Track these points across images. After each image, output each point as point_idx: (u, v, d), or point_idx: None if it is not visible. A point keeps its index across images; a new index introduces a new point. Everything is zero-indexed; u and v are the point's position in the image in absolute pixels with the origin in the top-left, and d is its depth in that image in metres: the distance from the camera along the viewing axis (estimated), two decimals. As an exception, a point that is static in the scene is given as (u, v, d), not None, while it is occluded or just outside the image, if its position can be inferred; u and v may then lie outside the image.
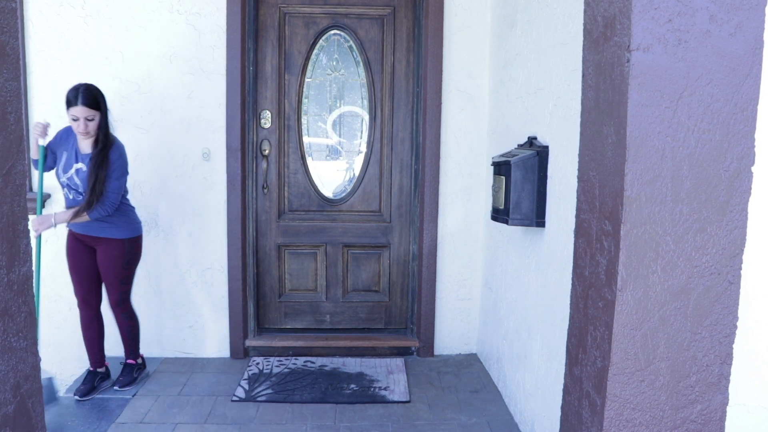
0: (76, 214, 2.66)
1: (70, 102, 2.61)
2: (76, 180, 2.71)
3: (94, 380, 2.92)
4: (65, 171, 2.73)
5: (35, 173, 3.27)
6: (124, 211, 2.84)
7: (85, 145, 2.72)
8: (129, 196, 3.28)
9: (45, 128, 2.71)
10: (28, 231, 1.17)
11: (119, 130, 3.25)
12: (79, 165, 2.71)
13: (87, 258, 2.85)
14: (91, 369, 2.96)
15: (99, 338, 2.96)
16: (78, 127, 2.64)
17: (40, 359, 1.23)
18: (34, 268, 2.75)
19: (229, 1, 3.21)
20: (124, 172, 2.77)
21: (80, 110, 2.61)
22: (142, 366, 3.13)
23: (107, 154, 2.68)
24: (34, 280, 2.78)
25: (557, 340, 2.18)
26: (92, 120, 2.65)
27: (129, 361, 3.04)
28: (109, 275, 2.84)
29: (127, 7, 3.19)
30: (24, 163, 1.20)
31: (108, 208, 2.70)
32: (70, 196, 2.76)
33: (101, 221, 2.75)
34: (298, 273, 3.58)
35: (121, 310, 2.94)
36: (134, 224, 2.90)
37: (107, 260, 2.82)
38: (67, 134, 2.77)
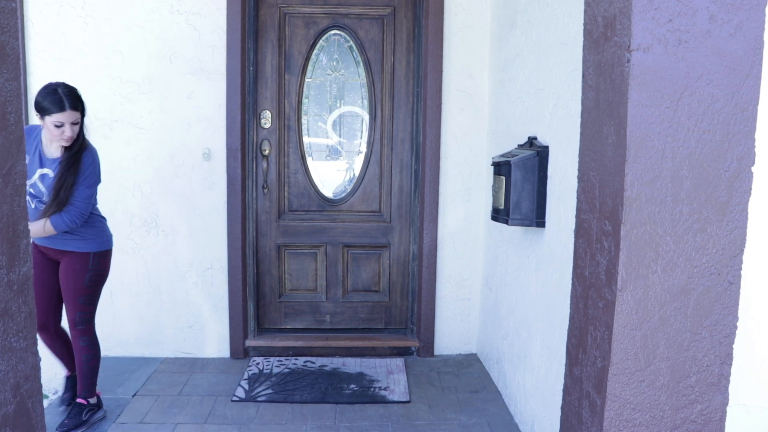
0: (42, 227, 2.39)
1: (51, 109, 2.32)
2: (41, 187, 2.43)
3: (75, 386, 2.74)
4: (27, 178, 2.37)
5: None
6: (92, 222, 2.54)
7: (54, 149, 2.44)
8: (125, 198, 3.29)
9: None
10: (28, 231, 1.17)
11: (119, 130, 3.25)
12: (45, 170, 2.43)
13: (48, 273, 2.55)
14: (68, 374, 2.79)
15: (68, 350, 2.71)
16: (63, 134, 2.35)
17: (40, 359, 1.23)
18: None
19: (229, 1, 3.21)
20: (96, 180, 2.50)
21: (69, 115, 2.33)
22: (96, 407, 2.67)
23: (80, 158, 2.42)
24: None
25: (557, 340, 2.18)
26: (77, 124, 2.39)
27: (79, 400, 2.61)
28: (69, 290, 2.52)
29: (127, 7, 3.19)
30: (24, 163, 1.20)
31: (76, 219, 2.42)
32: (32, 205, 2.45)
33: (67, 232, 2.48)
34: (298, 273, 3.58)
35: (80, 333, 2.56)
36: (103, 237, 2.58)
37: (68, 274, 2.51)
38: (27, 135, 2.43)
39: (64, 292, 2.55)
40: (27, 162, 2.42)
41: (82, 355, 2.59)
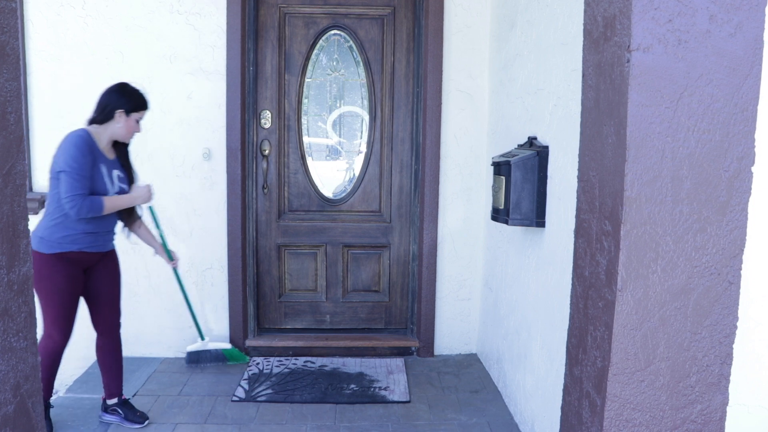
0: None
1: (142, 105, 2.48)
2: (123, 186, 2.53)
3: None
4: (113, 183, 2.47)
5: (37, 172, 3.28)
6: None
7: (109, 149, 2.50)
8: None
9: (151, 190, 2.59)
10: (28, 231, 1.17)
11: (119, 130, 3.25)
12: (117, 172, 2.51)
13: (82, 283, 2.50)
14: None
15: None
16: (137, 129, 2.51)
17: (40, 359, 1.23)
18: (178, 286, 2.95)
19: (229, 1, 3.21)
20: None
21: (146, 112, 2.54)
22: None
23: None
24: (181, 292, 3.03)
25: (557, 340, 2.18)
26: None
27: (125, 397, 2.70)
28: (115, 290, 2.61)
29: (127, 7, 3.19)
30: (24, 163, 1.20)
31: None
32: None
33: (113, 232, 2.57)
34: (298, 273, 3.58)
35: (119, 333, 2.66)
36: None
37: (114, 272, 2.60)
38: (89, 147, 2.36)
39: (108, 295, 2.58)
40: (105, 170, 2.42)
41: (121, 353, 2.67)
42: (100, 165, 2.41)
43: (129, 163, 2.60)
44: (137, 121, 2.50)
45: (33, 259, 2.36)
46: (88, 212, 2.33)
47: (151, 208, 2.74)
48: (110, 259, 2.59)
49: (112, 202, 2.42)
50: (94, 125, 2.45)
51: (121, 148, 2.57)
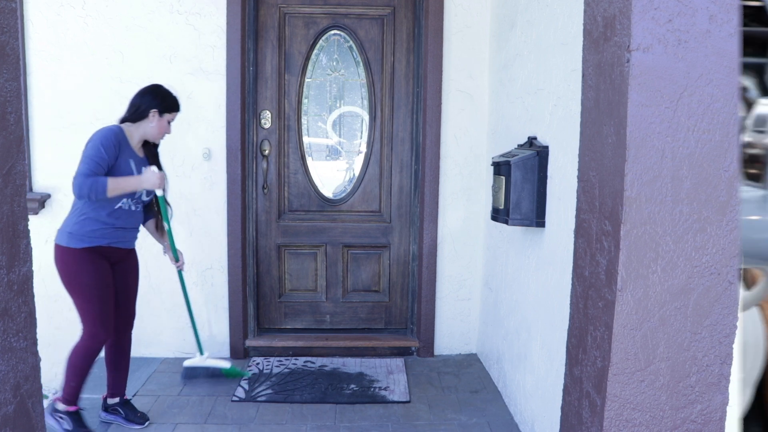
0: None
1: (175, 106, 2.52)
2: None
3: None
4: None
5: (37, 172, 3.28)
6: None
7: (139, 148, 2.53)
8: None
9: (163, 179, 2.50)
10: (28, 231, 1.17)
11: (119, 130, 3.25)
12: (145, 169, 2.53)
13: (110, 278, 2.50)
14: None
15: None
16: (168, 130, 2.55)
17: (40, 359, 1.23)
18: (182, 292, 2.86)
19: (229, 1, 3.21)
20: None
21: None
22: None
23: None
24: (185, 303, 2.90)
25: (557, 340, 2.18)
26: None
27: (126, 397, 2.73)
28: (134, 288, 2.66)
29: (127, 7, 3.19)
30: (24, 163, 1.20)
31: None
32: (133, 207, 2.50)
33: (138, 229, 2.61)
34: (298, 273, 3.58)
35: (132, 330, 2.71)
36: None
37: (134, 270, 2.64)
38: (117, 141, 2.38)
39: (128, 293, 2.63)
40: (133, 165, 2.44)
41: (130, 353, 2.70)
42: (129, 160, 2.43)
43: (158, 163, 2.61)
44: (169, 122, 2.53)
45: (61, 257, 2.39)
46: (89, 191, 2.27)
47: (161, 199, 2.59)
48: (132, 257, 2.63)
49: (117, 183, 2.34)
50: (127, 123, 2.47)
51: (150, 148, 2.58)
